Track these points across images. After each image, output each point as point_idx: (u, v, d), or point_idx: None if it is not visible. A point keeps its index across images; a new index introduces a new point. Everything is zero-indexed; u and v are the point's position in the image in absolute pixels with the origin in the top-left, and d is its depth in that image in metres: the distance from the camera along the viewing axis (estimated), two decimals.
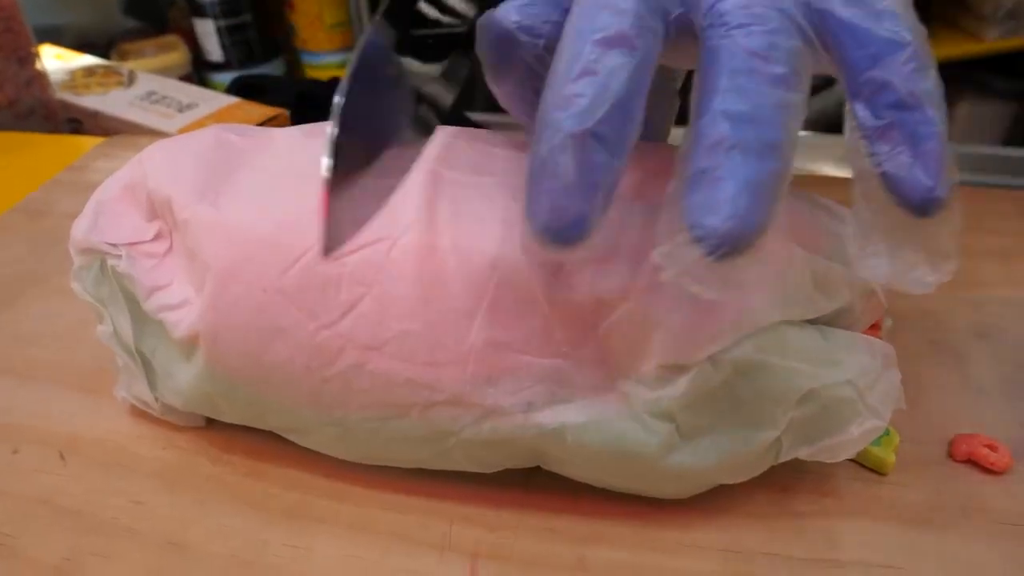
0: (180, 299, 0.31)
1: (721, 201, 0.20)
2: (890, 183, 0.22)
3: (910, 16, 0.22)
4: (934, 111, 0.21)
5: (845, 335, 0.29)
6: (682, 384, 0.27)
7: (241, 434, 0.34)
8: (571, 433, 0.28)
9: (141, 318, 0.32)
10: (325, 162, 0.20)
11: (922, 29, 0.22)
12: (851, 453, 0.29)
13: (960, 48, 1.21)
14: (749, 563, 0.29)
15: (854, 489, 0.32)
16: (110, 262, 0.32)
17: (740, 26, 0.22)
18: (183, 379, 0.31)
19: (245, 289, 0.29)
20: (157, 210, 0.32)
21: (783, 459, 0.29)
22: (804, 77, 0.22)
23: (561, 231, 0.22)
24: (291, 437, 0.32)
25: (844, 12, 0.22)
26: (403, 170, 0.25)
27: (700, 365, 0.27)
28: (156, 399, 0.34)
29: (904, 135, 0.21)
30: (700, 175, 0.21)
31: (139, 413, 0.35)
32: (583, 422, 0.28)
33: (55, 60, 0.86)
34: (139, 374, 0.33)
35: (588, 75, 0.22)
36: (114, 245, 0.32)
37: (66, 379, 0.37)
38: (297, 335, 0.28)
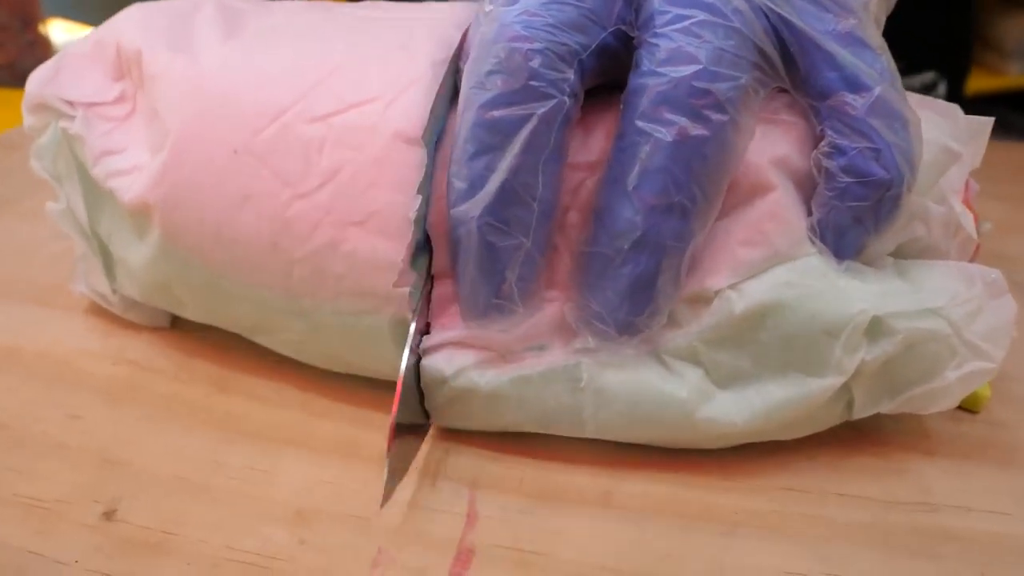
0: (132, 165, 0.26)
1: (619, 296, 0.21)
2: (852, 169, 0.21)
3: (876, 38, 0.22)
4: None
5: (927, 264, 0.24)
6: (705, 317, 0.22)
7: (206, 350, 0.29)
8: (587, 371, 0.23)
9: (95, 194, 0.28)
10: None
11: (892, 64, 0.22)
12: (949, 404, 0.23)
13: (981, 84, 1.17)
14: (817, 504, 0.23)
15: (941, 426, 0.26)
16: (62, 123, 0.27)
17: (669, 61, 0.20)
18: (137, 261, 0.27)
19: (212, 148, 0.24)
20: (124, 67, 0.28)
21: (859, 415, 0.23)
22: (744, 113, 0.21)
23: (477, 317, 0.23)
24: (257, 339, 0.27)
25: (819, 37, 0.21)
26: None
27: (722, 293, 0.22)
28: (114, 292, 0.29)
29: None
30: (606, 260, 0.21)
31: (91, 327, 0.30)
32: (600, 360, 0.23)
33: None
34: (95, 260, 0.29)
35: (481, 155, 0.21)
36: (70, 104, 0.27)
37: (16, 292, 0.33)
38: (267, 205, 0.24)
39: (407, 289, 0.23)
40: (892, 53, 0.22)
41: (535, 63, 0.20)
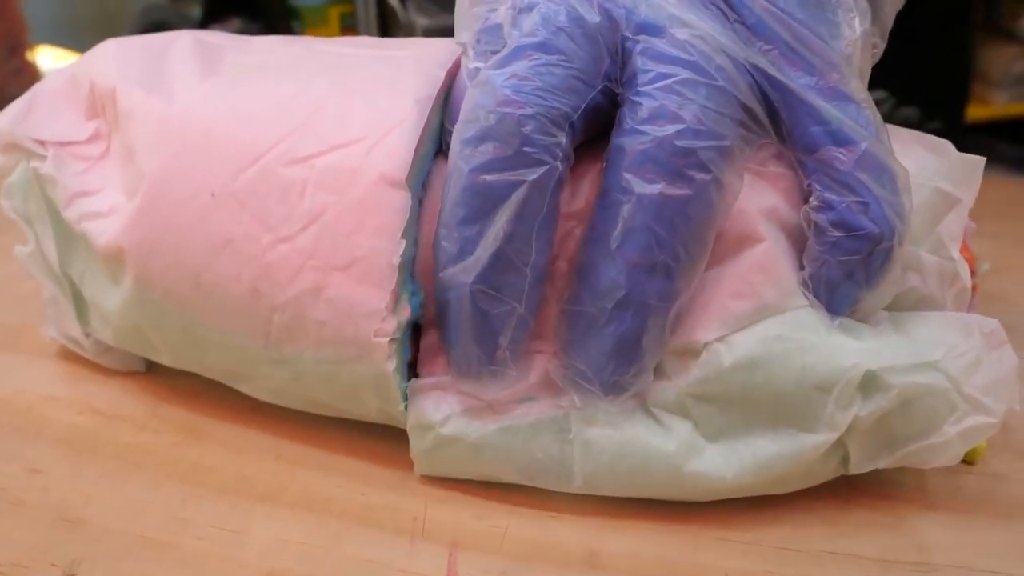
0: (107, 207, 0.25)
1: (604, 356, 0.21)
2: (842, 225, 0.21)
3: (864, 96, 0.22)
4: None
5: (923, 315, 0.23)
6: (693, 371, 0.22)
7: (179, 395, 0.28)
8: (575, 423, 0.22)
9: (68, 236, 0.27)
10: None
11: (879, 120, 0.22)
12: (951, 459, 0.22)
13: (968, 113, 1.18)
14: (812, 563, 0.22)
15: (940, 479, 0.25)
16: (33, 163, 0.26)
17: (652, 119, 0.20)
18: (111, 305, 0.26)
19: (189, 191, 0.23)
20: (98, 105, 0.27)
21: (856, 471, 0.23)
22: (728, 168, 0.21)
23: (469, 381, 0.22)
24: (237, 386, 0.26)
25: (803, 92, 0.21)
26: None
27: (710, 346, 0.21)
28: (87, 335, 0.28)
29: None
30: (590, 320, 0.21)
31: (58, 372, 0.29)
32: (588, 413, 0.22)
33: (52, 60, 0.84)
34: (66, 304, 0.28)
35: (471, 221, 0.20)
36: (41, 143, 0.26)
37: None
38: (247, 249, 0.23)
39: (389, 338, 0.22)
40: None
41: (528, 129, 0.20)
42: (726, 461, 0.22)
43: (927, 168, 0.24)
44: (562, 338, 0.22)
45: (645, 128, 0.20)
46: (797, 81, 0.21)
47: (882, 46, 0.24)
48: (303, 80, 0.24)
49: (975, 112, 1.18)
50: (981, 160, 0.24)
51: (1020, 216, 0.42)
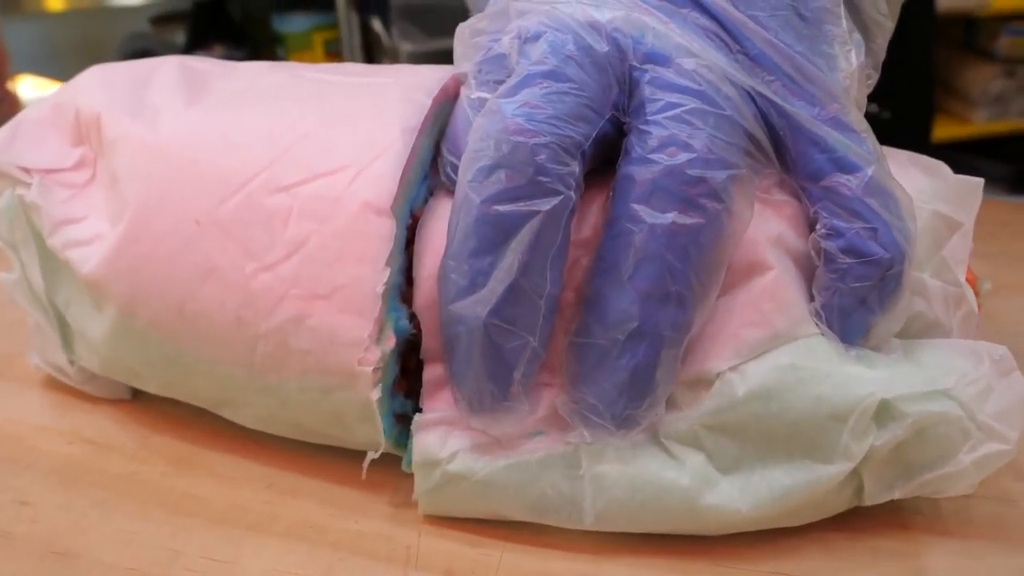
0: (91, 235, 0.25)
1: (617, 388, 0.20)
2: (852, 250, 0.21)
3: (863, 125, 0.22)
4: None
5: (932, 343, 0.23)
6: (706, 401, 0.21)
7: (169, 423, 0.28)
8: (586, 457, 0.22)
9: (53, 264, 0.27)
10: None
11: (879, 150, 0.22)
12: (966, 488, 0.22)
13: (948, 131, 1.20)
14: None
15: (942, 505, 0.25)
16: (18, 190, 0.26)
17: (663, 147, 0.20)
18: (96, 333, 0.26)
19: (173, 219, 0.23)
20: (84, 132, 0.27)
21: (871, 501, 0.22)
22: (739, 197, 0.21)
23: (482, 413, 0.22)
24: (223, 413, 0.26)
25: (807, 123, 0.21)
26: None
27: (723, 376, 0.21)
28: (72, 363, 0.28)
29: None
30: (602, 352, 0.20)
31: (48, 401, 0.29)
32: (598, 448, 0.22)
33: (33, 89, 0.84)
34: (51, 331, 0.27)
35: (483, 252, 0.19)
36: (27, 170, 0.26)
37: None
38: (231, 278, 0.23)
39: (373, 367, 0.22)
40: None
41: (541, 158, 0.19)
42: (741, 494, 0.22)
43: (924, 191, 0.24)
44: (571, 371, 0.21)
45: (655, 157, 0.20)
46: (801, 110, 0.21)
47: (876, 77, 0.25)
48: (288, 107, 0.24)
49: (955, 131, 1.20)
50: (979, 181, 0.24)
51: (1012, 236, 0.42)
